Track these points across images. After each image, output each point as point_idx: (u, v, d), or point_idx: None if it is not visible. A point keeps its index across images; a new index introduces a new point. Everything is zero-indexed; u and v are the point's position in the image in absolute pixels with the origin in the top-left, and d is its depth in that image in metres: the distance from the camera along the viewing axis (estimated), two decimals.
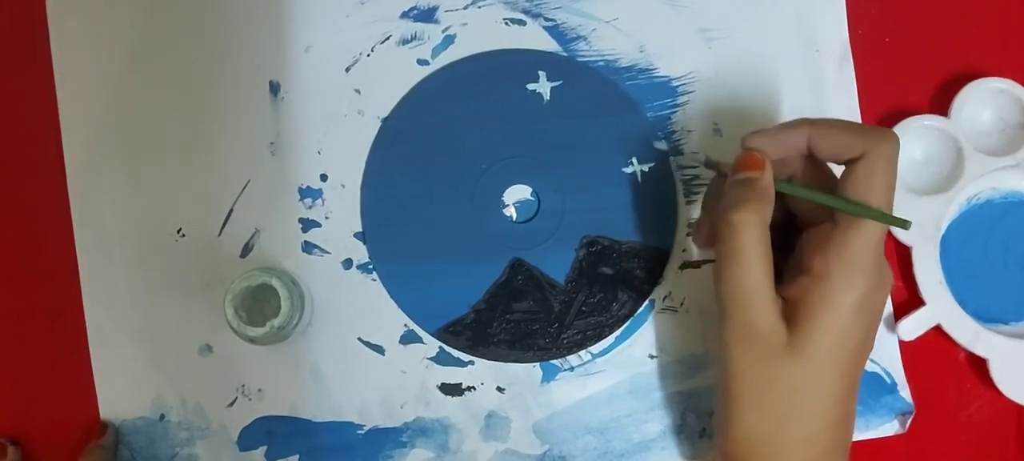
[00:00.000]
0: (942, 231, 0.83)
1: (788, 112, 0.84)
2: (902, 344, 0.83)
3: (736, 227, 0.68)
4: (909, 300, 0.83)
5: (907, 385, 0.83)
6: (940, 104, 0.83)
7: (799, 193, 0.71)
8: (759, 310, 0.69)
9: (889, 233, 0.82)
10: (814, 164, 0.72)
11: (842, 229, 0.68)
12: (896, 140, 0.68)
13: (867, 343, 0.70)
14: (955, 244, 0.83)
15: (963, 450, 0.83)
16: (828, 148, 0.70)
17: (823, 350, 0.68)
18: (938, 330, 0.82)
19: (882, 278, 0.69)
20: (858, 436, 0.82)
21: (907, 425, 0.82)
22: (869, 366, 0.82)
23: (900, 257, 0.84)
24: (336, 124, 0.83)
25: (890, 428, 0.82)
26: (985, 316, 0.82)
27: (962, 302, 0.81)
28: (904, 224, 0.66)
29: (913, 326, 0.81)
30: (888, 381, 0.83)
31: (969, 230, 0.84)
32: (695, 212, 0.83)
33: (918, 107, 0.84)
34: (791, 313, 0.69)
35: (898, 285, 0.84)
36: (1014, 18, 0.86)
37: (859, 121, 0.84)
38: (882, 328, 0.82)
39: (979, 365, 0.82)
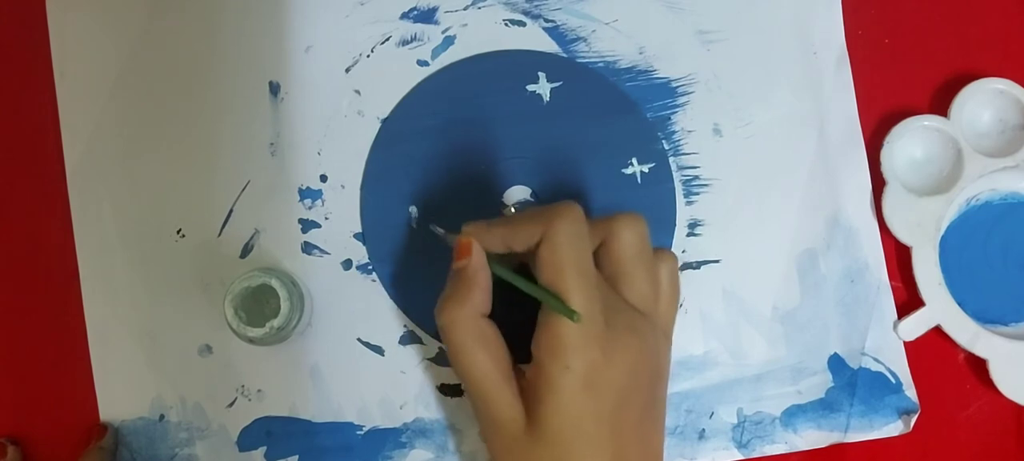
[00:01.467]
0: (942, 232, 0.82)
1: (787, 114, 0.84)
2: (903, 344, 0.83)
3: (445, 328, 0.70)
4: (909, 301, 0.83)
5: (912, 384, 0.83)
6: (940, 104, 0.83)
7: (506, 276, 0.72)
8: (494, 401, 0.69)
9: (889, 233, 0.82)
10: None
11: (544, 313, 0.68)
12: (572, 214, 0.69)
13: (617, 416, 0.68)
14: (955, 245, 0.83)
15: (963, 451, 0.83)
16: (520, 243, 0.71)
17: (561, 432, 0.68)
18: (938, 331, 0.82)
19: (607, 351, 0.67)
20: (862, 437, 0.82)
21: (911, 424, 0.81)
22: (873, 366, 0.83)
23: (900, 258, 0.83)
24: (336, 125, 0.83)
25: (894, 428, 0.82)
26: (985, 317, 0.82)
27: (962, 303, 0.81)
28: (572, 315, 0.66)
29: (913, 327, 0.81)
30: (893, 381, 0.83)
31: (969, 231, 0.84)
32: (695, 212, 0.83)
33: (918, 107, 0.84)
34: (527, 395, 0.69)
35: (898, 286, 0.83)
36: (1014, 18, 0.86)
37: (856, 120, 0.84)
38: (885, 328, 0.83)
39: (979, 366, 0.82)
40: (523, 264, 0.73)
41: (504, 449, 0.70)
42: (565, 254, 0.67)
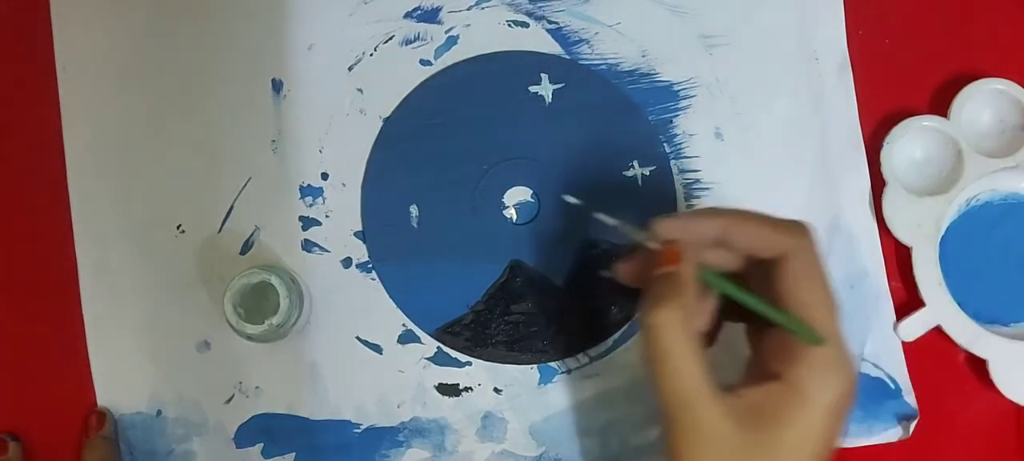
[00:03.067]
0: (942, 232, 0.82)
1: (788, 119, 0.84)
2: (903, 346, 0.83)
3: (655, 329, 0.64)
4: (909, 301, 0.83)
5: (912, 390, 0.82)
6: (940, 105, 0.83)
7: (731, 292, 0.68)
8: (704, 411, 0.64)
9: (889, 233, 0.82)
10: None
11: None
12: (812, 233, 0.67)
13: (836, 440, 0.66)
14: (955, 245, 0.83)
15: (963, 451, 0.83)
16: (743, 243, 0.68)
17: (799, 451, 0.64)
18: (938, 331, 0.81)
19: (851, 372, 0.65)
20: (861, 442, 0.82)
21: (910, 430, 0.81)
22: (872, 371, 0.83)
23: (900, 258, 0.84)
24: (338, 123, 0.83)
25: (893, 434, 0.82)
26: (985, 317, 0.82)
27: (962, 303, 0.81)
28: (819, 341, 0.64)
29: (913, 327, 0.81)
30: (892, 386, 0.82)
31: (969, 231, 0.84)
32: None
33: (918, 108, 0.84)
34: (755, 414, 0.65)
35: (898, 286, 0.84)
36: (1014, 19, 0.87)
37: (857, 127, 0.84)
38: (884, 334, 0.83)
39: (979, 366, 0.82)
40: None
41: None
42: (821, 269, 0.66)
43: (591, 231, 0.82)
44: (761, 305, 0.66)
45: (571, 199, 0.74)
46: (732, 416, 0.64)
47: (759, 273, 0.68)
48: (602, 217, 0.71)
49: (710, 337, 0.71)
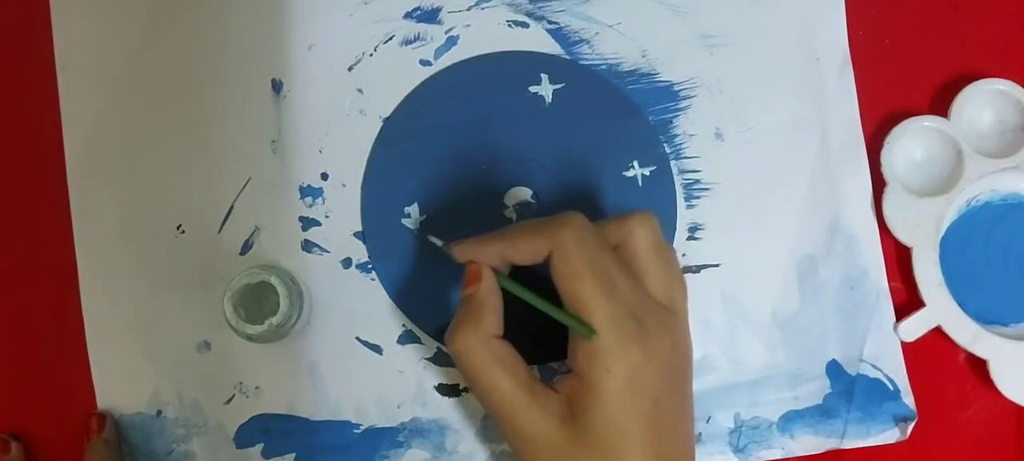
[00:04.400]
0: (942, 233, 0.82)
1: (788, 119, 0.84)
2: (903, 346, 0.83)
3: (458, 356, 0.70)
4: (909, 301, 0.83)
5: (911, 391, 0.83)
6: (940, 105, 0.83)
7: (521, 295, 0.72)
8: (522, 418, 0.69)
9: (889, 234, 0.82)
10: None
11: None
12: (576, 220, 0.70)
13: (657, 414, 0.68)
14: (955, 246, 0.83)
15: (963, 451, 0.83)
16: (522, 258, 0.71)
17: (607, 436, 0.67)
18: (938, 331, 0.82)
19: (646, 349, 0.68)
20: (859, 443, 0.82)
21: (908, 432, 0.81)
22: (870, 372, 0.83)
23: (900, 258, 0.84)
24: (338, 123, 0.83)
25: (891, 435, 0.82)
26: (985, 317, 0.82)
27: (962, 303, 0.81)
28: (589, 334, 0.67)
29: (913, 327, 0.81)
30: (891, 388, 0.82)
31: (969, 232, 0.84)
32: (696, 216, 0.83)
33: (918, 108, 0.84)
34: (568, 407, 0.69)
35: (898, 287, 0.84)
36: (1014, 19, 0.86)
37: (858, 127, 0.84)
38: (884, 335, 0.83)
39: (979, 366, 0.82)
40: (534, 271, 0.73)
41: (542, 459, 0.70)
42: (579, 261, 0.68)
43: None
44: (543, 304, 0.70)
45: (434, 239, 0.77)
46: (551, 414, 0.69)
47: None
48: (432, 239, 0.77)
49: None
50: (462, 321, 0.70)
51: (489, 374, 0.69)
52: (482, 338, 0.69)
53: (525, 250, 0.70)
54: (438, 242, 0.75)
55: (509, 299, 0.72)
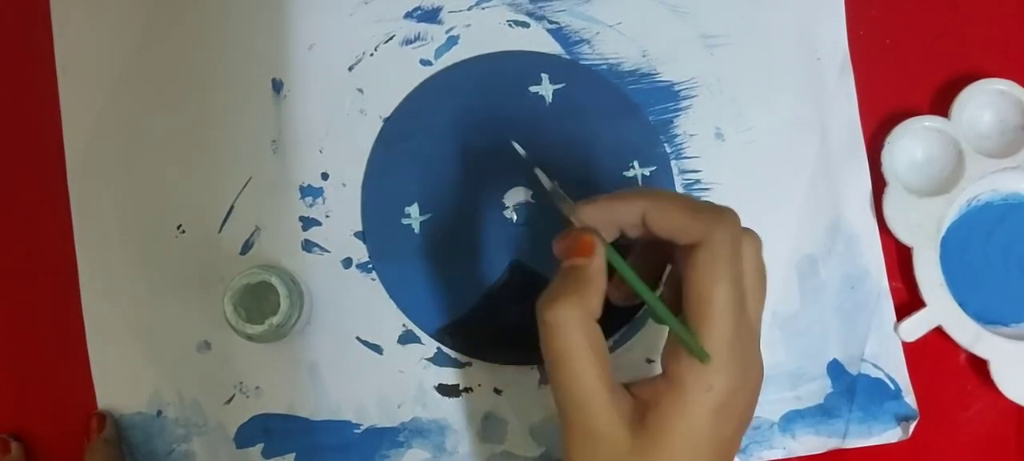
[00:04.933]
0: (942, 233, 0.83)
1: (789, 119, 0.84)
2: (903, 346, 0.83)
3: (554, 328, 0.63)
4: (910, 301, 0.83)
5: (912, 391, 0.83)
6: (940, 105, 0.83)
7: (635, 287, 0.66)
8: (598, 415, 0.63)
9: (889, 234, 0.82)
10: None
11: (694, 329, 0.63)
12: (735, 223, 0.64)
13: (731, 442, 0.66)
14: (955, 245, 0.83)
15: (963, 451, 0.83)
16: (664, 228, 0.65)
17: (681, 453, 0.63)
18: (939, 331, 0.82)
19: (747, 375, 0.64)
20: (861, 443, 0.82)
21: (910, 431, 0.81)
22: (872, 372, 0.83)
23: (901, 258, 0.84)
24: (338, 123, 0.83)
25: (893, 434, 0.82)
26: (985, 317, 0.82)
27: (962, 303, 0.81)
28: (703, 356, 0.62)
29: (914, 327, 0.81)
30: (892, 387, 0.82)
31: (969, 231, 0.84)
32: None
33: (919, 108, 0.84)
34: (643, 415, 0.64)
35: (899, 287, 0.84)
36: (1014, 19, 0.87)
37: (858, 127, 0.84)
38: (885, 335, 0.83)
39: (980, 366, 0.82)
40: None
41: None
42: (727, 267, 0.63)
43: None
44: (659, 307, 0.65)
45: (518, 147, 0.73)
46: (625, 418, 0.63)
47: (683, 256, 0.65)
48: (540, 174, 0.71)
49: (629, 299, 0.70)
50: (566, 292, 0.63)
51: (580, 357, 0.62)
52: (584, 315, 0.63)
53: (675, 221, 0.64)
54: (547, 182, 0.70)
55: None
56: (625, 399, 0.64)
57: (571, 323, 0.63)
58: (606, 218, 0.66)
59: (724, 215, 0.64)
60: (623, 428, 0.63)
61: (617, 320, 0.83)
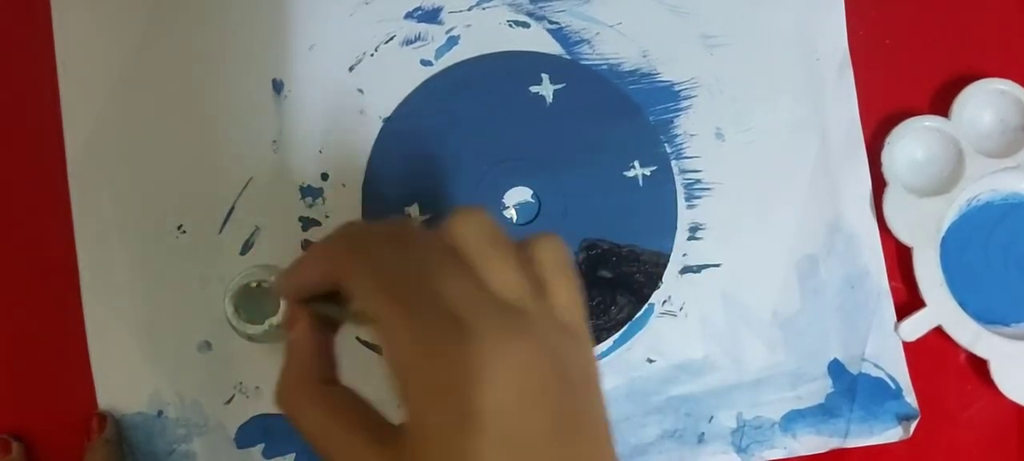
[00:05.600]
0: (942, 232, 0.83)
1: (788, 119, 0.84)
2: (904, 346, 0.83)
3: (293, 418, 0.56)
4: (910, 301, 0.83)
5: (913, 390, 0.83)
6: (940, 105, 0.83)
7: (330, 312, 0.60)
8: None
9: (889, 234, 0.82)
10: None
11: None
12: (352, 223, 0.58)
13: (522, 430, 0.50)
14: (955, 245, 0.83)
15: (964, 451, 0.83)
16: (309, 287, 0.58)
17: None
18: (939, 331, 0.82)
19: (479, 359, 0.49)
20: (862, 442, 0.82)
21: (911, 431, 0.81)
22: (873, 372, 0.83)
23: (901, 258, 0.84)
24: (338, 123, 0.83)
25: (894, 434, 0.82)
26: (985, 317, 0.82)
27: (962, 303, 0.81)
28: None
29: (913, 327, 0.81)
30: (893, 387, 0.83)
31: (969, 231, 0.84)
32: (696, 216, 0.83)
33: (918, 108, 0.84)
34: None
35: (899, 286, 0.84)
36: (1014, 19, 0.87)
37: (858, 127, 0.84)
38: (885, 334, 0.83)
39: (980, 366, 0.82)
40: None
41: None
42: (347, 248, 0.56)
43: (592, 230, 0.82)
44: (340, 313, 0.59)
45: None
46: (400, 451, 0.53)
47: None
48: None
49: None
50: (284, 377, 0.58)
51: (323, 429, 0.55)
52: (310, 389, 0.57)
53: (308, 280, 0.58)
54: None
55: None
56: (395, 440, 0.53)
57: (302, 405, 0.56)
58: (297, 285, 0.59)
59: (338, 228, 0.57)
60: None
61: (617, 320, 0.83)
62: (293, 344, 0.59)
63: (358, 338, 0.82)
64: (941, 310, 0.81)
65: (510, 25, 0.85)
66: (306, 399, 0.56)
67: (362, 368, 0.81)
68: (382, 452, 0.52)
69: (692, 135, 0.84)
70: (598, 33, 0.85)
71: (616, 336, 0.83)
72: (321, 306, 0.59)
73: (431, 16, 0.84)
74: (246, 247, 0.82)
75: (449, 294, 0.51)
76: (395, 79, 0.84)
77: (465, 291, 0.51)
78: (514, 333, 0.50)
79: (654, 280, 0.83)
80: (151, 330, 0.82)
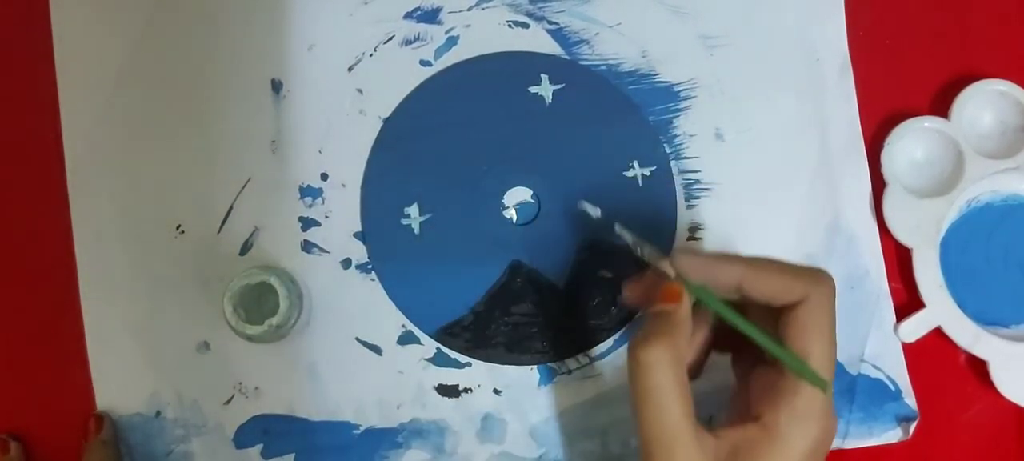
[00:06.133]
0: (942, 233, 0.83)
1: (788, 120, 0.84)
2: (903, 347, 0.83)
3: (645, 367, 0.64)
4: (909, 302, 0.83)
5: (912, 392, 0.83)
6: (940, 106, 0.83)
7: (738, 324, 0.66)
8: (682, 452, 0.63)
9: (889, 235, 0.82)
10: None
11: (792, 380, 0.65)
12: (831, 283, 0.67)
13: None
14: (955, 246, 0.83)
15: (963, 452, 0.83)
16: (762, 292, 0.66)
17: None
18: (938, 332, 0.82)
19: (831, 421, 0.66)
20: (861, 443, 0.82)
21: (910, 432, 0.81)
22: (872, 372, 0.83)
23: (900, 259, 0.84)
24: (338, 123, 0.83)
25: (893, 435, 0.82)
26: (985, 318, 0.82)
27: (962, 304, 0.81)
28: (824, 386, 0.64)
29: (913, 328, 0.81)
30: (892, 388, 0.82)
31: (969, 232, 0.84)
32: (696, 216, 0.83)
33: (918, 109, 0.84)
34: (732, 456, 0.65)
35: (898, 287, 0.84)
36: (1014, 20, 0.87)
37: (858, 127, 0.84)
38: (885, 335, 0.83)
39: (979, 367, 0.82)
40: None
41: None
42: (828, 322, 0.65)
43: (591, 232, 0.82)
44: (766, 340, 0.65)
45: (590, 208, 0.74)
46: (709, 456, 0.64)
47: (759, 310, 0.67)
48: (622, 231, 0.71)
49: (697, 368, 0.71)
50: (655, 334, 0.64)
51: (668, 394, 0.63)
52: (673, 358, 0.64)
53: (774, 286, 0.66)
54: (629, 237, 0.71)
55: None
56: (709, 441, 0.65)
57: (662, 363, 0.63)
58: (701, 275, 0.67)
59: (823, 275, 0.67)
60: None
61: (617, 320, 0.83)
62: (674, 316, 0.66)
63: (357, 338, 0.82)
64: (941, 311, 0.81)
65: (509, 25, 0.85)
66: (670, 365, 0.63)
67: (362, 368, 0.82)
68: (699, 437, 0.64)
69: (691, 135, 0.84)
70: (597, 33, 0.85)
71: (616, 336, 0.83)
72: (711, 298, 0.67)
73: (430, 16, 0.84)
74: (245, 247, 0.82)
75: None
76: (394, 79, 0.84)
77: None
78: (832, 405, 0.67)
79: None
80: (150, 330, 0.82)
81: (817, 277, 0.66)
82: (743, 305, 0.68)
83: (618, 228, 0.71)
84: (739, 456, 0.65)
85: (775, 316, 0.66)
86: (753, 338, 0.65)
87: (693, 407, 0.64)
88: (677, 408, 0.63)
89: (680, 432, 0.63)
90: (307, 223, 0.83)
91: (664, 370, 0.63)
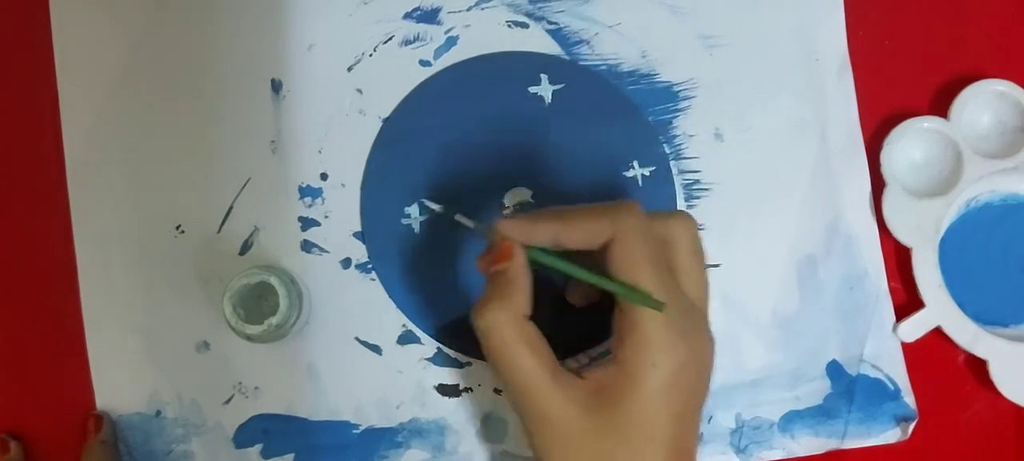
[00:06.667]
0: (941, 233, 0.82)
1: (788, 120, 0.84)
2: (903, 347, 0.83)
3: (485, 330, 0.67)
4: (909, 302, 0.83)
5: (911, 391, 0.83)
6: (940, 106, 0.83)
7: (562, 268, 0.70)
8: (542, 398, 0.67)
9: (889, 235, 0.82)
10: None
11: (628, 312, 0.67)
12: (635, 212, 0.68)
13: (684, 416, 0.68)
14: (954, 246, 0.83)
15: (963, 452, 0.83)
16: (575, 241, 0.69)
17: (638, 429, 0.66)
18: (938, 332, 0.82)
19: (691, 350, 0.67)
20: (860, 443, 0.82)
21: (909, 432, 0.81)
22: (871, 373, 0.83)
23: (900, 259, 0.84)
24: (337, 123, 0.83)
25: (892, 435, 0.82)
26: (985, 318, 0.82)
27: (961, 304, 0.81)
28: (659, 306, 0.65)
29: (913, 328, 0.81)
30: (891, 388, 0.83)
31: (968, 232, 0.84)
32: (696, 216, 0.82)
33: (918, 109, 0.84)
34: (597, 396, 0.67)
35: (898, 287, 0.84)
36: (1014, 20, 0.86)
37: (858, 127, 0.84)
38: (884, 335, 0.83)
39: (979, 367, 0.82)
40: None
41: (559, 447, 0.68)
42: (641, 250, 0.67)
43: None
44: (592, 276, 0.68)
45: (465, 220, 0.74)
46: (575, 401, 0.67)
47: (602, 258, 0.69)
48: (461, 219, 0.74)
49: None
50: (491, 297, 0.68)
51: (515, 350, 0.67)
52: (511, 316, 0.67)
53: (583, 233, 0.68)
54: (469, 223, 0.73)
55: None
56: (575, 385, 0.68)
57: (501, 323, 0.67)
58: (524, 236, 0.70)
59: (627, 205, 0.69)
60: (573, 410, 0.67)
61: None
62: (508, 275, 0.69)
63: (357, 338, 0.82)
64: (940, 311, 0.81)
65: (509, 25, 0.85)
66: (508, 324, 0.67)
67: (362, 368, 0.82)
68: (555, 381, 0.67)
69: (691, 135, 0.84)
70: (597, 33, 0.85)
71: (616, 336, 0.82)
72: (544, 255, 0.69)
73: (430, 16, 0.84)
74: (245, 247, 0.82)
75: (673, 287, 0.68)
76: (394, 79, 0.84)
77: (678, 290, 0.68)
78: (704, 333, 0.70)
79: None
80: (150, 330, 0.82)
81: (618, 212, 0.68)
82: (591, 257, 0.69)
83: (458, 217, 0.74)
84: (602, 395, 0.67)
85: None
86: (580, 277, 0.69)
87: (549, 353, 0.68)
88: (527, 360, 0.67)
89: (536, 380, 0.67)
90: (307, 223, 0.83)
91: (505, 328, 0.67)
